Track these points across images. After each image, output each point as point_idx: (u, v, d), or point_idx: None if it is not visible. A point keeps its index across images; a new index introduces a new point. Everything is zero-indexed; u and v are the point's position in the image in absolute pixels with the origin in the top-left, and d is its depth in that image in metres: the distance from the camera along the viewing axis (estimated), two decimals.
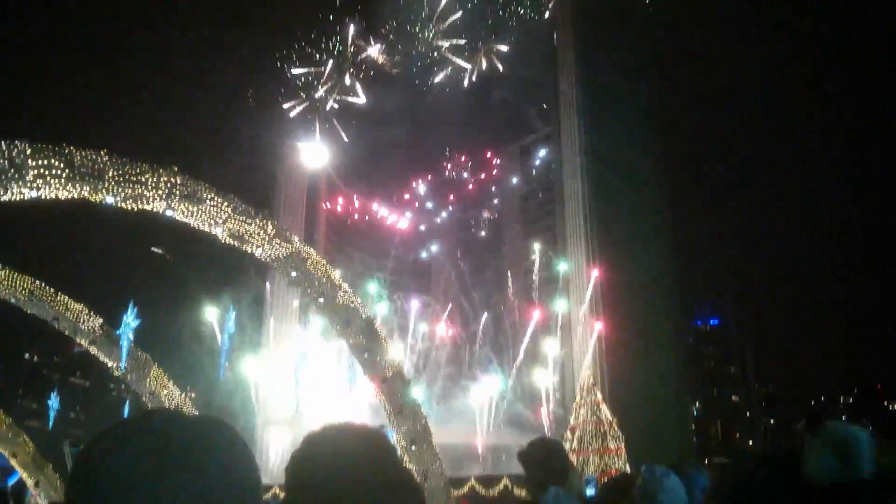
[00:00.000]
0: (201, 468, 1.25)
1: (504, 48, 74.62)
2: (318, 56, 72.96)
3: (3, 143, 17.65)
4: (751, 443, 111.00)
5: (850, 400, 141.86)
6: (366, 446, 1.99)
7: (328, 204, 75.58)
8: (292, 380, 59.84)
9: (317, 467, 1.92)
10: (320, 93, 72.13)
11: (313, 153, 70.73)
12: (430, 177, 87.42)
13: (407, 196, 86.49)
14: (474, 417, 58.30)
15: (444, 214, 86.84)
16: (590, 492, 19.17)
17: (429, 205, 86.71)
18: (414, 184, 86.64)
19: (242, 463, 1.35)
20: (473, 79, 74.39)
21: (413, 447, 27.11)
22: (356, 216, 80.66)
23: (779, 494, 3.39)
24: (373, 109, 74.22)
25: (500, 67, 74.50)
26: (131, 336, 26.91)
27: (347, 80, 72.97)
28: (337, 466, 1.91)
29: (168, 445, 1.25)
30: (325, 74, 72.34)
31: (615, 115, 56.29)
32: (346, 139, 73.05)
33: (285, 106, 71.18)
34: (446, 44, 73.13)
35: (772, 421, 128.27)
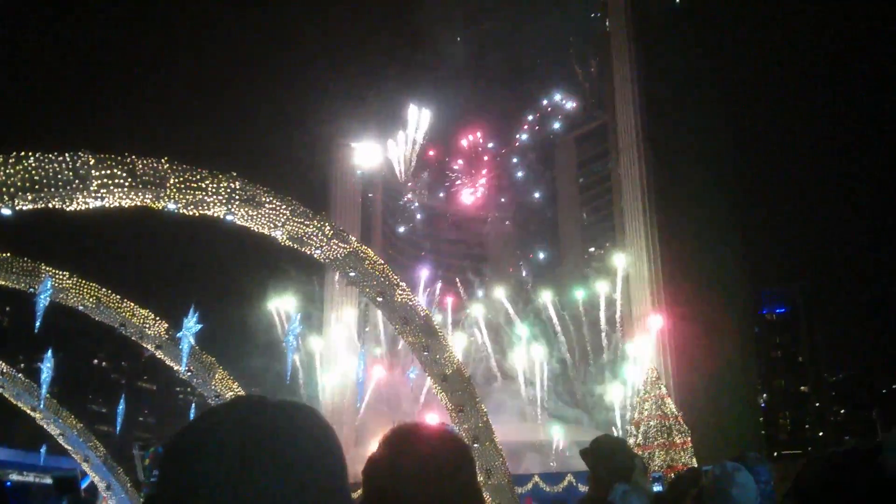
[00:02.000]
0: (286, 460, 1.20)
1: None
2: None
3: (67, 155, 18.09)
4: (821, 434, 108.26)
5: None
6: (447, 453, 1.89)
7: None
8: (354, 378, 60.63)
9: (396, 472, 1.84)
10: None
11: (367, 152, 71.17)
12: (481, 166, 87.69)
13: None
14: (513, 413, 57.74)
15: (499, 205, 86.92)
16: (657, 488, 18.81)
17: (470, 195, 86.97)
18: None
19: (328, 452, 1.28)
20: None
21: (476, 444, 27.03)
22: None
23: (862, 493, 3.28)
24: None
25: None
26: (192, 340, 27.31)
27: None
28: (417, 472, 1.82)
29: (252, 435, 1.21)
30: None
31: (674, 96, 54.90)
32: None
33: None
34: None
35: (842, 411, 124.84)
